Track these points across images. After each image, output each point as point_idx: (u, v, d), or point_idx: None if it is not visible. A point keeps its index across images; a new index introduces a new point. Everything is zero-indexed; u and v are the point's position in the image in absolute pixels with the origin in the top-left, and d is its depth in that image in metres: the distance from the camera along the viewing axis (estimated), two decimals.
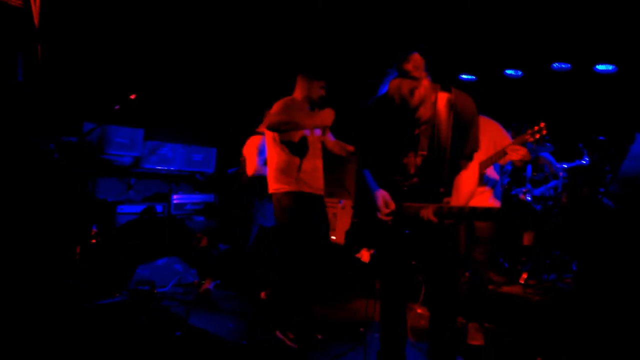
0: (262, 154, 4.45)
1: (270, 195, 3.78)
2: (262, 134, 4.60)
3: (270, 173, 3.79)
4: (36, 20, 4.36)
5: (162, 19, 5.76)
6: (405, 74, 2.35)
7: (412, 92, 2.34)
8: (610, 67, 5.92)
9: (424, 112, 2.44)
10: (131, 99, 4.21)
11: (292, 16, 5.89)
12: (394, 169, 2.65)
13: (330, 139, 4.03)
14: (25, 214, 3.81)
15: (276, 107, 3.70)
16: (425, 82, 2.38)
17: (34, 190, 3.89)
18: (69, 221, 4.23)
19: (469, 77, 6.66)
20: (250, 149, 4.58)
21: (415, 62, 2.36)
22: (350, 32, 6.05)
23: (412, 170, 2.59)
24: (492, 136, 3.73)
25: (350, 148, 3.95)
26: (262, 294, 4.43)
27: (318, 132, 3.90)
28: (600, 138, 5.08)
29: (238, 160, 4.98)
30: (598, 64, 5.96)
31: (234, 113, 6.49)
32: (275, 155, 3.76)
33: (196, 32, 6.05)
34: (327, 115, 3.54)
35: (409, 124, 2.49)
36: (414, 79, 2.34)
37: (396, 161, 2.63)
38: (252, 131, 4.66)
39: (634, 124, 4.58)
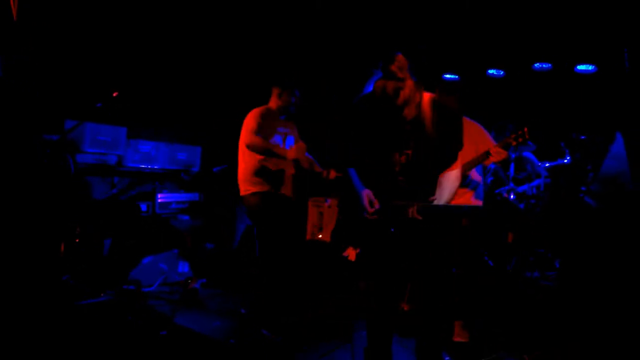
0: None
1: None
2: None
3: (241, 176, 3.95)
4: (15, 15, 4.28)
5: (145, 15, 5.69)
6: (390, 75, 2.39)
7: (396, 92, 2.37)
8: (590, 67, 6.02)
9: (408, 112, 2.46)
10: (113, 96, 4.16)
11: (277, 17, 5.87)
12: (379, 168, 2.67)
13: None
14: (6, 212, 3.75)
15: (252, 119, 3.86)
16: (410, 83, 2.41)
17: (14, 188, 3.83)
18: (52, 220, 4.18)
19: (452, 76, 6.71)
20: None
21: (400, 62, 2.40)
22: (335, 33, 6.06)
23: (397, 169, 2.62)
24: (474, 138, 3.76)
25: (318, 170, 4.21)
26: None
27: (292, 140, 4.07)
28: (582, 137, 5.17)
29: (223, 158, 4.96)
30: (578, 64, 6.06)
31: (218, 111, 6.45)
32: (244, 159, 3.95)
33: (180, 29, 6.00)
34: (301, 150, 3.81)
35: (394, 124, 2.51)
36: (399, 79, 2.38)
37: (381, 160, 2.65)
38: None
39: (615, 123, 4.67)
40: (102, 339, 3.41)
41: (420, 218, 2.48)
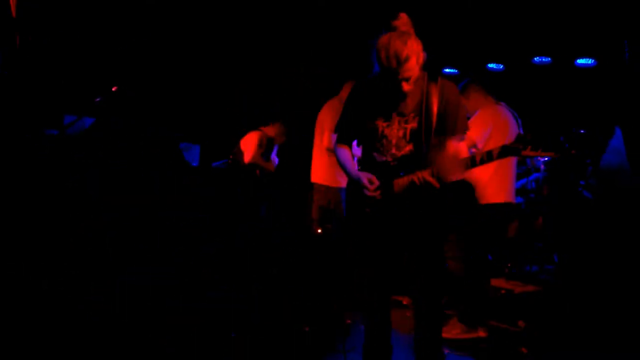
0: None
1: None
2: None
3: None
4: (13, 10, 4.27)
5: (145, 10, 5.68)
6: (394, 29, 2.35)
7: (404, 42, 2.32)
8: (590, 61, 6.02)
9: (412, 67, 2.37)
10: (112, 91, 4.15)
11: (276, 13, 5.86)
12: (376, 144, 2.61)
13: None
14: (7, 208, 3.75)
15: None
16: (414, 37, 2.37)
17: (14, 185, 3.83)
18: (52, 216, 4.18)
19: (452, 70, 6.71)
20: (249, 142, 5.09)
21: (403, 19, 2.38)
22: (334, 31, 6.05)
23: (394, 142, 2.57)
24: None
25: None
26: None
27: None
28: (581, 131, 5.16)
29: (222, 156, 4.99)
30: (578, 58, 6.05)
31: (217, 110, 6.45)
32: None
33: (180, 26, 5.98)
34: None
35: (397, 82, 2.41)
36: (404, 32, 2.35)
37: (380, 134, 2.58)
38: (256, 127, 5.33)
39: (614, 117, 4.66)
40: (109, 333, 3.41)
41: (434, 182, 2.42)
